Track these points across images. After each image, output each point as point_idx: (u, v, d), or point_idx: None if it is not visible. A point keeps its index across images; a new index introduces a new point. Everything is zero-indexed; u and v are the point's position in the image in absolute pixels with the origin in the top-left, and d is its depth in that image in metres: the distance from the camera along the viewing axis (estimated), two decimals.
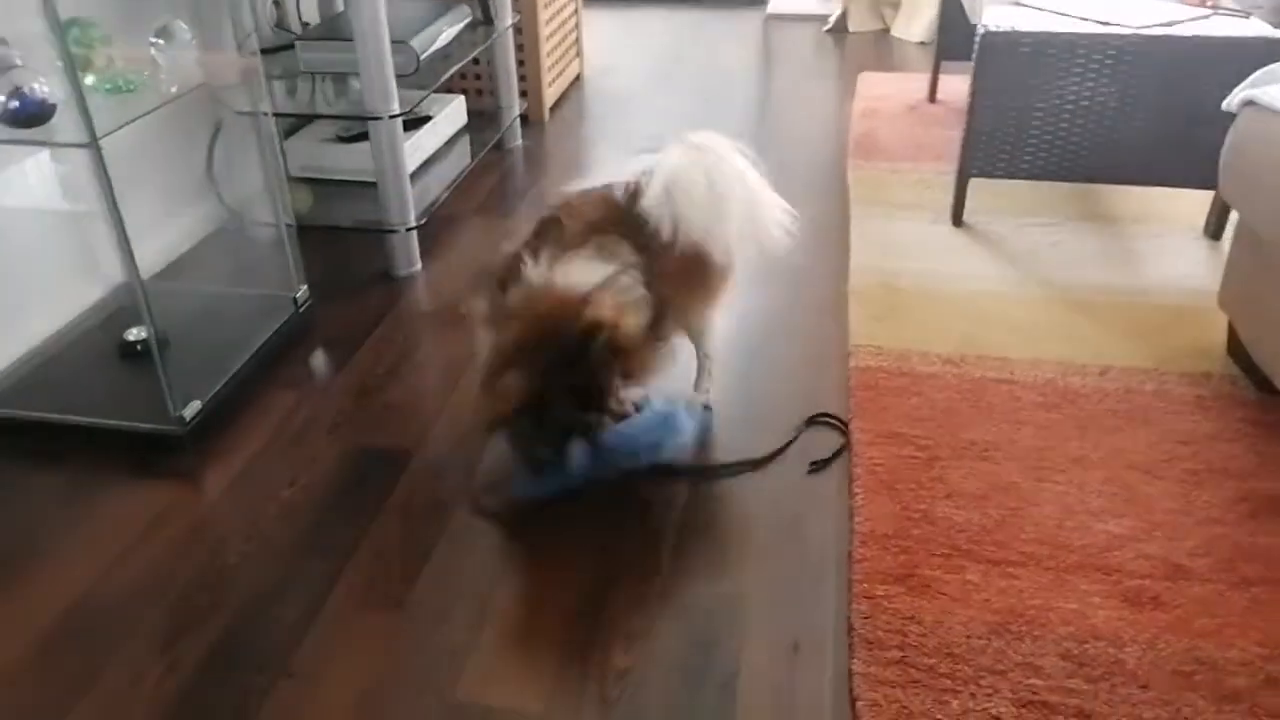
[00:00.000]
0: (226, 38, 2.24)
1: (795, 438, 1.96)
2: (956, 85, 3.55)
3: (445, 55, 2.92)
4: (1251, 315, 2.02)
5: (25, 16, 1.76)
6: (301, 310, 2.38)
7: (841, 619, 1.57)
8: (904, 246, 2.68)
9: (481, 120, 3.43)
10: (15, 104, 1.77)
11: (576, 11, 4.05)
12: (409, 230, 2.62)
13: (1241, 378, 2.08)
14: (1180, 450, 1.89)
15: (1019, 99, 2.60)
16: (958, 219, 2.80)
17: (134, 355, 2.15)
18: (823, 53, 4.56)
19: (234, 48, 2.24)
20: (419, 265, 2.67)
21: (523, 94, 3.58)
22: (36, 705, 1.46)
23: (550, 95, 3.75)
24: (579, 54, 4.14)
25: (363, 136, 2.74)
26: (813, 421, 2.01)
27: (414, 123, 2.95)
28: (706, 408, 2.04)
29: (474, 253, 2.78)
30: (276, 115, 2.66)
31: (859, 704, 1.42)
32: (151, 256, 2.54)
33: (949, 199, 2.81)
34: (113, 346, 2.19)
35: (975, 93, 2.62)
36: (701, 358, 2.06)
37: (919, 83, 3.89)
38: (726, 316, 2.03)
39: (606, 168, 2.00)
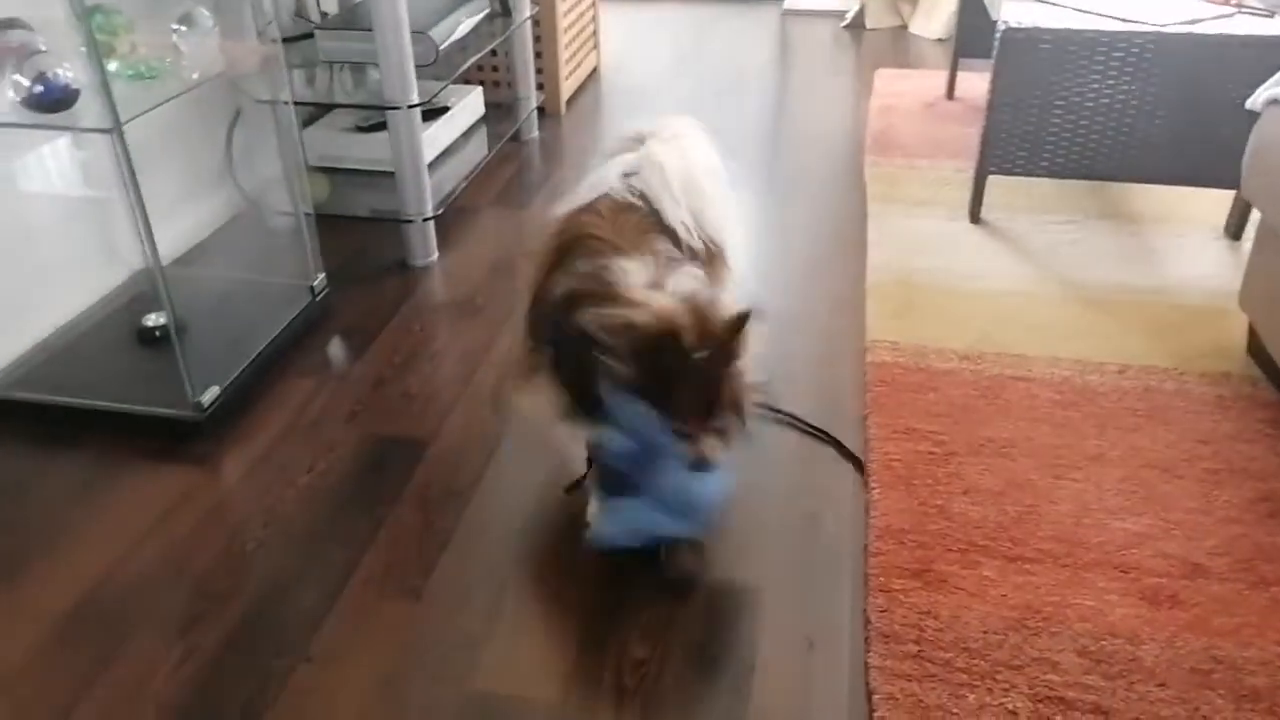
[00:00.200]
0: (247, 25, 2.24)
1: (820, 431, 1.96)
2: (974, 82, 3.55)
3: (463, 46, 2.93)
4: (1273, 316, 2.01)
5: (49, 2, 1.77)
6: (319, 299, 2.38)
7: (858, 613, 1.57)
8: (921, 243, 2.68)
9: (499, 112, 3.43)
10: (40, 88, 1.77)
11: (594, 4, 4.05)
12: (426, 220, 2.63)
13: (1262, 378, 2.07)
14: (1200, 450, 1.89)
15: (1039, 96, 2.59)
16: (975, 216, 2.79)
17: (153, 341, 2.16)
18: (840, 49, 4.55)
19: (254, 35, 2.24)
20: (435, 255, 2.67)
21: (540, 86, 3.59)
22: (54, 688, 1.47)
23: (567, 88, 3.75)
24: (596, 47, 4.14)
25: (381, 126, 2.75)
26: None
27: (432, 113, 2.95)
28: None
29: (490, 243, 2.78)
30: (296, 104, 2.68)
31: (875, 697, 1.42)
32: (170, 243, 2.55)
33: (966, 196, 2.80)
34: (132, 332, 2.20)
35: (995, 89, 2.61)
36: None
37: (937, 80, 3.88)
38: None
39: (585, 172, 1.90)
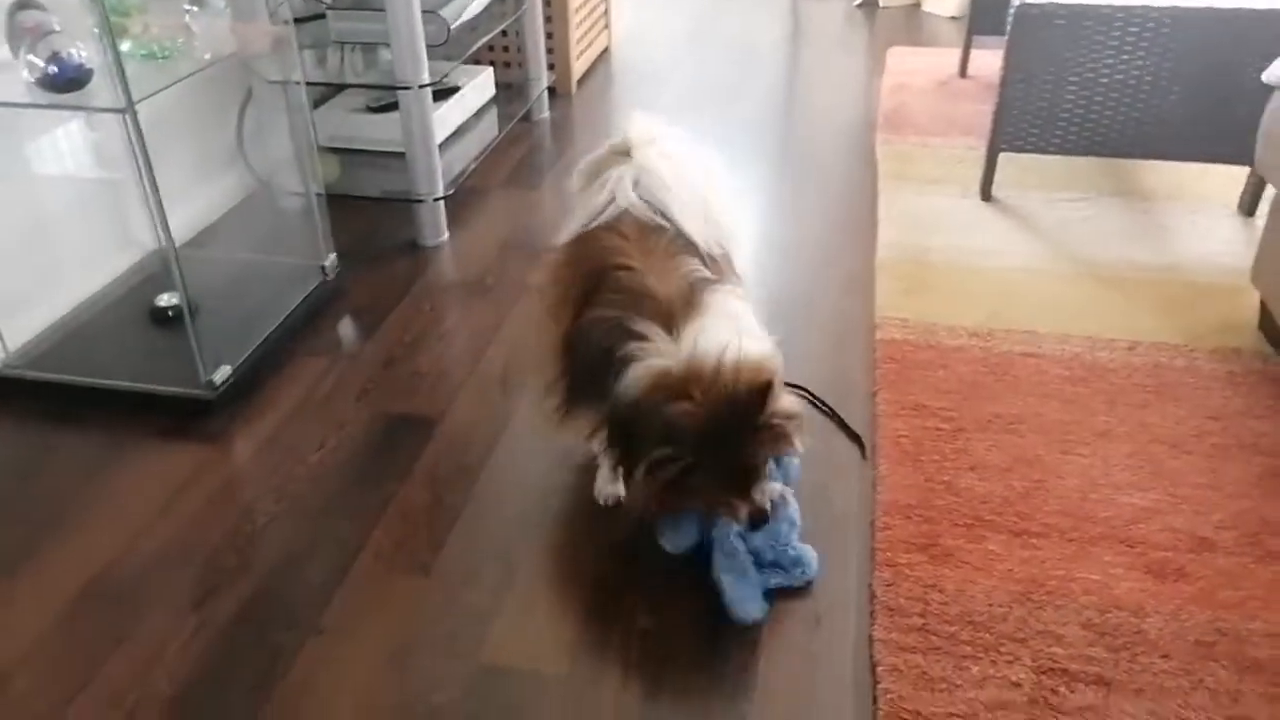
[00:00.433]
0: (259, 6, 2.25)
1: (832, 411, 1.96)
2: (988, 60, 3.52)
3: (474, 26, 2.93)
4: None
5: None
6: (330, 279, 2.40)
7: (864, 586, 1.58)
8: (932, 221, 2.67)
9: (509, 92, 3.43)
10: (54, 69, 1.79)
11: None
12: (436, 200, 2.64)
13: (1273, 354, 2.06)
14: (1209, 425, 1.88)
15: (1052, 72, 2.57)
16: (987, 193, 2.78)
17: (165, 321, 2.18)
18: (853, 27, 4.52)
19: (266, 16, 2.25)
20: (446, 235, 2.68)
21: (550, 66, 3.58)
22: (69, 664, 1.49)
23: (578, 68, 3.75)
24: (607, 26, 4.13)
25: (392, 107, 2.75)
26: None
27: (443, 93, 2.96)
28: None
29: (501, 224, 2.79)
30: (307, 84, 2.69)
31: (879, 669, 1.43)
32: (182, 224, 2.57)
33: (978, 174, 2.79)
34: (144, 312, 2.22)
35: (1008, 66, 2.59)
36: None
37: (950, 58, 3.85)
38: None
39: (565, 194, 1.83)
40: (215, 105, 2.73)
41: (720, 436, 1.41)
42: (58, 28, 1.84)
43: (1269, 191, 2.46)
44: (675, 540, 1.63)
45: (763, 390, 1.40)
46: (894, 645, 1.46)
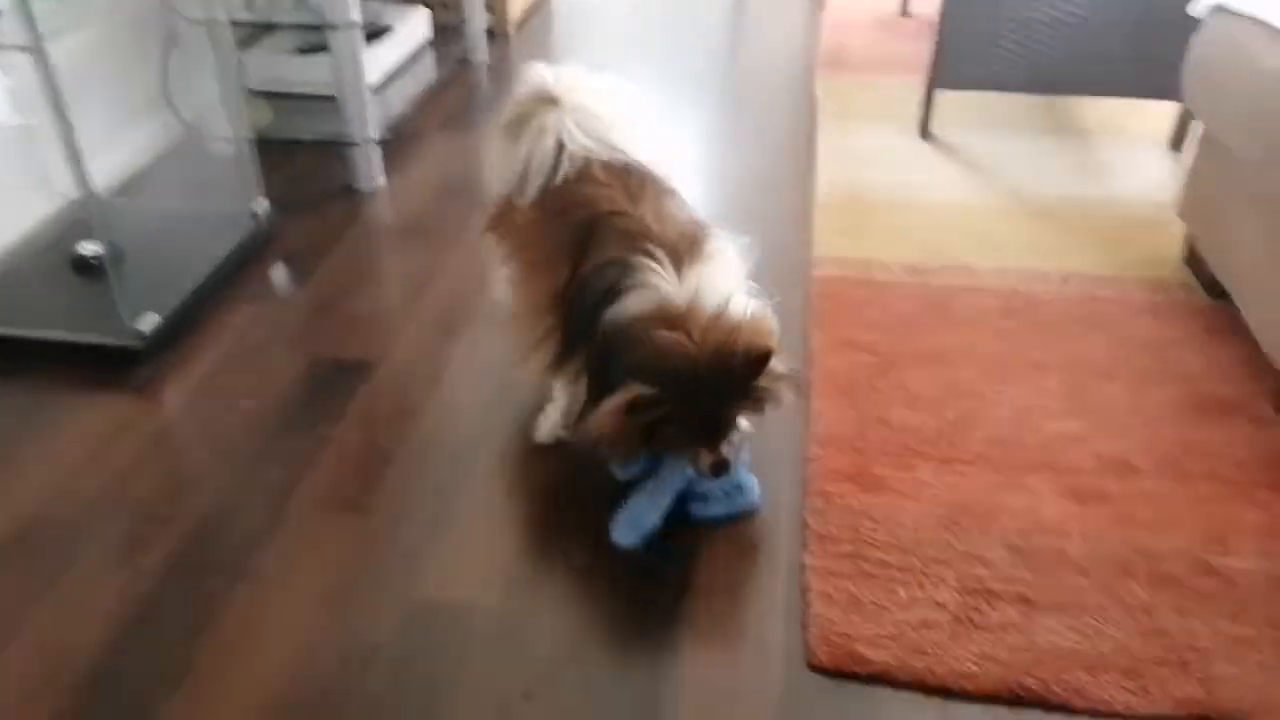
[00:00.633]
0: None
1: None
2: None
3: None
4: (1208, 224, 2.04)
5: None
6: (262, 225, 2.35)
7: (796, 516, 1.60)
8: (870, 159, 2.67)
9: (447, 34, 3.36)
10: None
11: None
12: (371, 144, 2.59)
13: (1195, 285, 2.11)
14: (1135, 354, 1.92)
15: (989, 8, 2.57)
16: (925, 131, 2.79)
17: (88, 270, 2.12)
18: None
19: None
20: (382, 180, 2.64)
21: (489, 8, 3.51)
22: None
23: (516, 9, 3.68)
24: None
25: (323, 48, 2.68)
26: None
27: (375, 34, 2.89)
28: None
29: (439, 167, 2.75)
30: (233, 25, 2.61)
31: (810, 595, 1.45)
32: (107, 171, 2.50)
33: (917, 112, 2.79)
34: (67, 261, 2.16)
35: (946, 3, 2.59)
36: None
37: None
38: None
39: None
40: (138, 49, 2.64)
41: (707, 387, 1.40)
42: None
43: (1197, 127, 2.49)
44: (625, 467, 1.64)
45: (763, 358, 1.40)
46: (824, 571, 1.48)
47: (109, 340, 1.96)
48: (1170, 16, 2.42)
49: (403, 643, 1.42)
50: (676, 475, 1.56)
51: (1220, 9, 1.93)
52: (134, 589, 1.50)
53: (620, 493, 1.60)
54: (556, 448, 1.75)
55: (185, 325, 2.06)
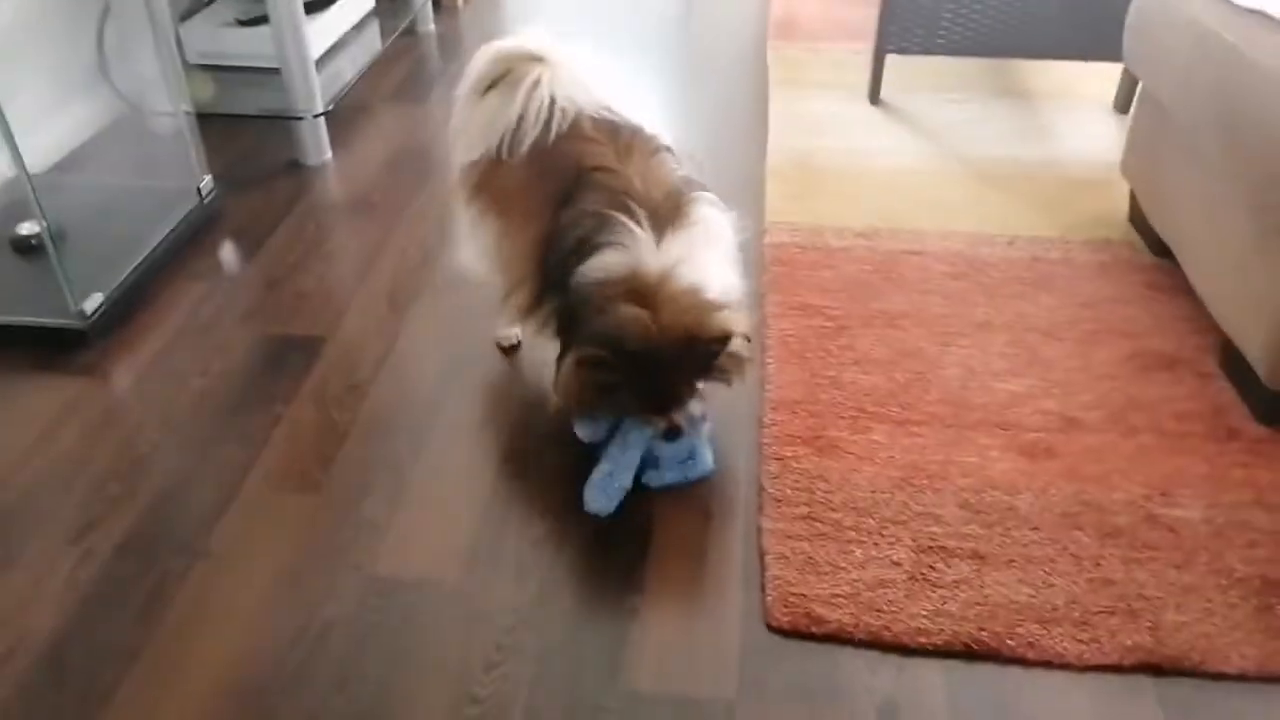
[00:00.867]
0: None
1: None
2: None
3: None
4: (1150, 181, 2.07)
5: None
6: (207, 201, 2.31)
7: (752, 480, 1.62)
8: (821, 125, 2.68)
9: (393, 5, 3.30)
10: None
11: None
12: (316, 117, 2.54)
13: (1139, 243, 2.14)
14: (1081, 313, 1.95)
15: None
16: (875, 97, 2.80)
17: (28, 250, 2.07)
18: None
19: None
20: (329, 154, 2.60)
21: None
22: None
23: None
24: None
25: (264, 20, 2.62)
26: None
27: (318, 4, 2.83)
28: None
29: (387, 140, 2.71)
30: None
31: (767, 557, 1.47)
32: (44, 149, 2.43)
33: (867, 78, 2.80)
34: (5, 242, 2.11)
35: None
36: None
37: None
38: None
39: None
40: (72, 23, 2.57)
41: (661, 365, 1.42)
42: None
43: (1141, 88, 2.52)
44: (590, 430, 1.64)
45: (722, 341, 1.42)
46: (781, 534, 1.50)
47: (52, 322, 1.92)
48: None
49: (361, 618, 1.41)
50: (641, 435, 1.56)
51: None
52: (85, 571, 1.48)
53: (581, 459, 1.60)
54: (510, 423, 1.75)
55: (132, 304, 2.02)
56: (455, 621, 1.41)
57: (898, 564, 1.45)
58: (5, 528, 1.56)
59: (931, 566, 1.45)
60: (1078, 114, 2.73)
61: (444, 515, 1.58)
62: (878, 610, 1.39)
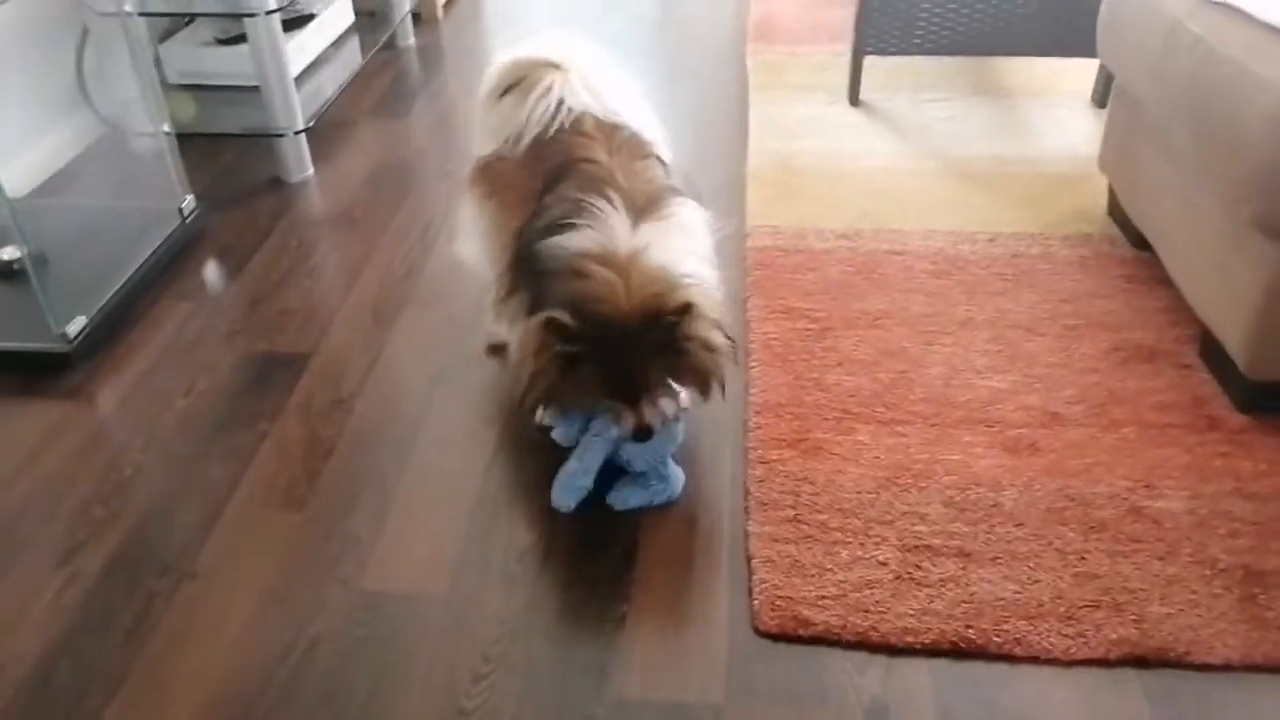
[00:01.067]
0: None
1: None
2: None
3: None
4: (1127, 176, 2.08)
5: None
6: (189, 221, 2.31)
7: (737, 485, 1.62)
8: (802, 128, 2.69)
9: (373, 20, 3.30)
10: None
11: None
12: (298, 134, 2.55)
13: (1119, 237, 2.15)
14: (1061, 308, 1.96)
15: None
16: (854, 98, 2.80)
17: (10, 275, 2.07)
18: None
19: None
20: (311, 170, 2.60)
21: None
22: None
23: None
24: None
25: (243, 37, 2.63)
26: None
27: (297, 21, 2.83)
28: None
29: (369, 155, 2.71)
30: (144, 15, 2.55)
31: (754, 561, 1.47)
32: (26, 172, 2.44)
33: (846, 79, 2.81)
34: None
35: None
36: None
37: None
38: None
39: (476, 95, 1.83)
40: (50, 45, 2.57)
41: (627, 336, 1.40)
42: None
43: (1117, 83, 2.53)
44: (566, 433, 1.64)
45: (681, 309, 1.40)
46: (767, 537, 1.50)
47: (35, 346, 1.92)
48: None
49: (348, 633, 1.41)
50: (603, 438, 1.56)
51: None
52: (71, 594, 1.48)
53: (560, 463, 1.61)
54: (495, 434, 1.75)
55: (116, 326, 2.02)
56: (442, 634, 1.41)
57: (884, 564, 1.45)
58: None
59: (917, 565, 1.45)
60: (1056, 110, 2.74)
61: (430, 528, 1.58)
62: (865, 611, 1.39)
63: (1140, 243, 2.06)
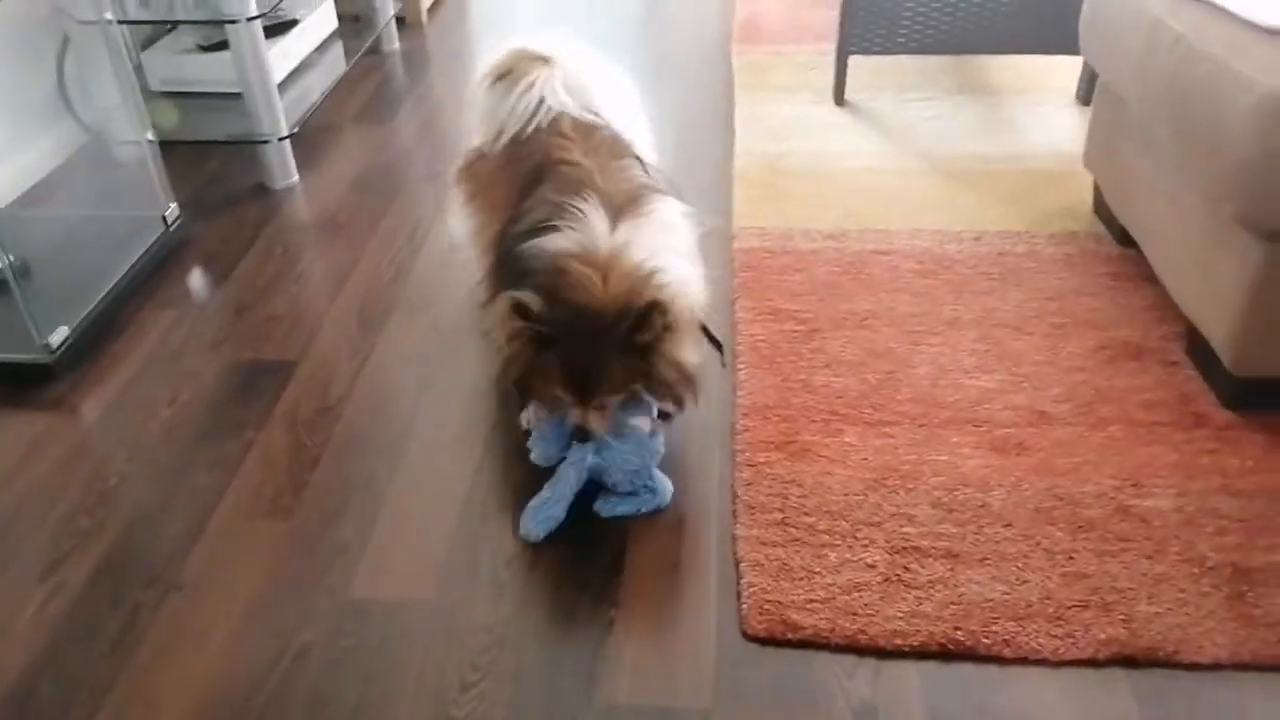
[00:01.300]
0: None
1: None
2: None
3: None
4: (1112, 173, 2.08)
5: None
6: (173, 229, 2.30)
7: (725, 488, 1.61)
8: (787, 128, 2.69)
9: (356, 25, 3.29)
10: None
11: None
12: (282, 141, 2.54)
13: (1105, 234, 2.15)
14: (1048, 306, 1.96)
15: None
16: (839, 98, 2.80)
17: None
18: None
19: None
20: (296, 176, 2.59)
21: None
22: None
23: None
24: None
25: (225, 44, 2.62)
26: None
27: (280, 27, 2.82)
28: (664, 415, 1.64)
29: (354, 160, 2.70)
30: (125, 23, 2.54)
31: (742, 565, 1.47)
32: (6, 181, 2.42)
33: (831, 79, 2.81)
34: None
35: None
36: None
37: None
38: None
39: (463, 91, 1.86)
40: (30, 53, 2.55)
41: (590, 330, 1.41)
42: None
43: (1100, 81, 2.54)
44: (544, 453, 1.64)
45: (645, 309, 1.39)
46: (755, 541, 1.50)
47: (18, 357, 1.90)
48: None
49: (335, 642, 1.40)
50: (575, 468, 1.55)
51: None
52: (55, 606, 1.47)
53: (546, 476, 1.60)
54: (480, 440, 1.74)
55: (99, 336, 2.01)
56: (431, 641, 1.40)
57: (872, 566, 1.45)
58: None
59: (906, 567, 1.45)
60: (1041, 107, 2.74)
61: (417, 535, 1.58)
62: (853, 614, 1.39)
63: (1125, 240, 2.06)
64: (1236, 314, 1.60)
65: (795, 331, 1.92)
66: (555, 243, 1.46)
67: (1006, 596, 1.40)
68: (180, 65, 2.82)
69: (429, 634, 1.41)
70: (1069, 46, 2.55)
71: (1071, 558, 1.45)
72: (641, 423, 1.55)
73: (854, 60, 2.75)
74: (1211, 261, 1.66)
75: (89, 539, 1.58)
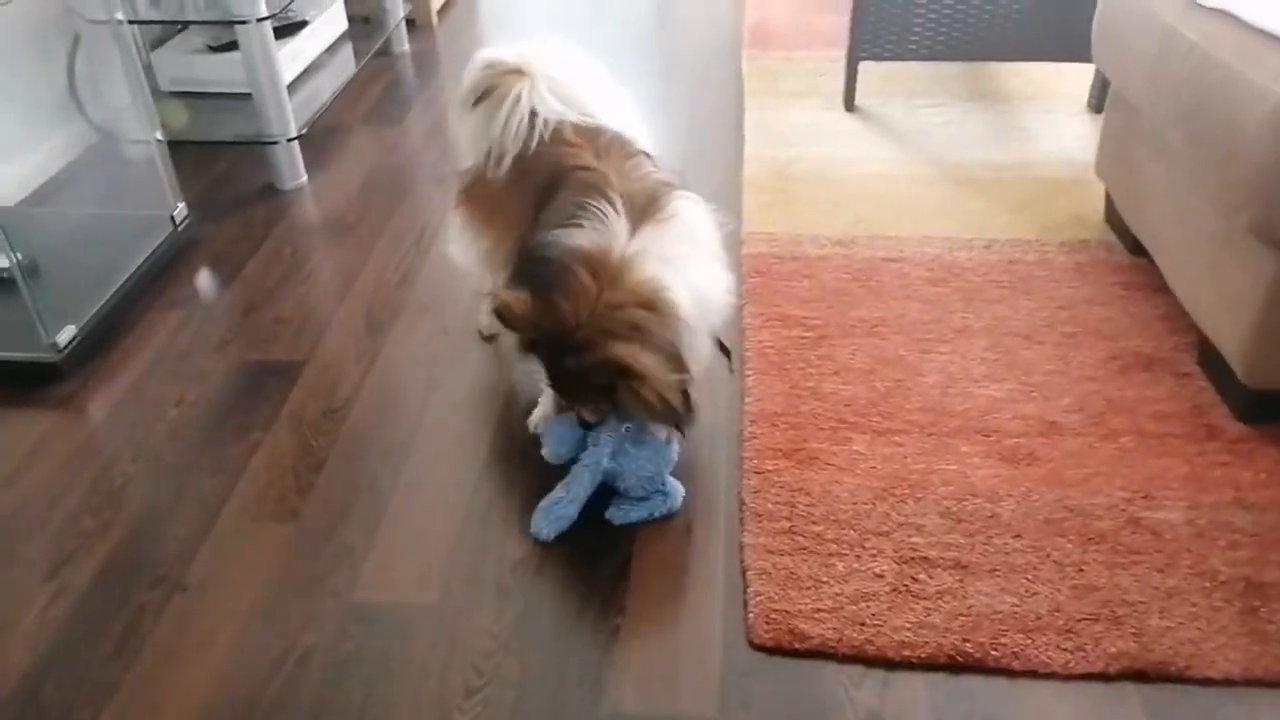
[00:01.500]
0: None
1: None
2: None
3: None
4: (1123, 181, 2.07)
5: None
6: (181, 229, 2.29)
7: (733, 495, 1.61)
8: (797, 134, 2.68)
9: (366, 26, 3.29)
10: None
11: None
12: (291, 141, 2.53)
13: (1116, 243, 2.14)
14: (1059, 315, 1.95)
15: None
16: (850, 104, 2.80)
17: (0, 284, 2.05)
18: None
19: None
20: (304, 177, 2.59)
21: None
22: None
23: None
24: None
25: (235, 45, 2.62)
26: None
27: (290, 28, 2.83)
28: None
29: (363, 162, 2.70)
30: (135, 23, 2.54)
31: (749, 573, 1.46)
32: (17, 181, 2.42)
33: (842, 85, 2.80)
34: None
35: None
36: None
37: None
38: None
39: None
40: (41, 53, 2.55)
41: (567, 346, 1.42)
42: None
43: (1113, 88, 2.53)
44: (555, 451, 1.63)
45: (603, 362, 1.39)
46: (762, 549, 1.49)
47: (25, 356, 1.90)
48: None
49: (339, 645, 1.40)
50: (590, 470, 1.55)
51: None
52: (60, 606, 1.47)
53: (559, 479, 1.59)
54: (486, 445, 1.74)
55: (107, 335, 2.00)
56: (435, 646, 1.39)
57: (880, 576, 1.44)
58: None
59: (914, 578, 1.44)
60: (1053, 115, 2.73)
61: (423, 539, 1.57)
62: (861, 624, 1.38)
63: (1137, 249, 2.05)
64: (1250, 325, 1.59)
65: (804, 338, 1.91)
66: (573, 238, 1.46)
67: (1016, 608, 1.39)
68: (190, 65, 2.82)
69: (433, 638, 1.40)
70: (1080, 54, 2.55)
71: (1082, 570, 1.44)
72: (658, 429, 1.55)
73: (864, 66, 2.75)
74: (1224, 272, 1.65)
75: (94, 539, 1.58)
